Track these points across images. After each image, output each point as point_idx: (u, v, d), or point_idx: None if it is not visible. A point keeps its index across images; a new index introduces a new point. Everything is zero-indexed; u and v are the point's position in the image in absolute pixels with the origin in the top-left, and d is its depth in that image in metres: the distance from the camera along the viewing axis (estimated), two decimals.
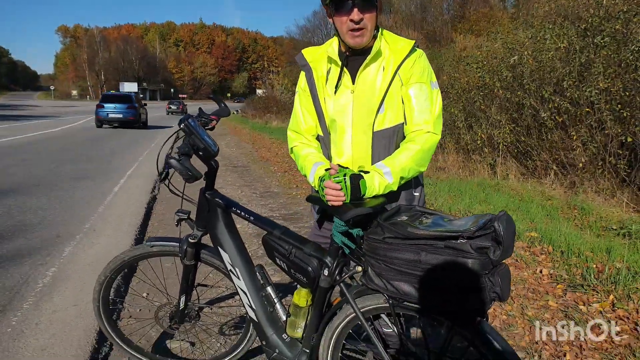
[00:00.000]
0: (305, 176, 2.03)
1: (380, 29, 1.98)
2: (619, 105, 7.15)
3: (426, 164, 1.95)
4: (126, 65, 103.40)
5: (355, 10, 1.83)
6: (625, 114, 7.04)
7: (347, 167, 1.87)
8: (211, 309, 3.08)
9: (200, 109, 2.30)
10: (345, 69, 1.98)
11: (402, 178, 1.87)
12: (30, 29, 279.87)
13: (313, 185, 1.96)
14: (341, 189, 1.72)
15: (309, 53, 2.09)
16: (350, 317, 1.81)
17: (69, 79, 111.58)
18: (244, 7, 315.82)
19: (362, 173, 1.80)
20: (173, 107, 45.69)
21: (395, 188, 1.87)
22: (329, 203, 1.76)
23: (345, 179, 1.73)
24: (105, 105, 21.94)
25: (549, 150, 8.50)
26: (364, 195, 1.76)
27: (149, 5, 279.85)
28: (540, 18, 10.43)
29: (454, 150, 10.69)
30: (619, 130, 7.18)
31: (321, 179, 1.81)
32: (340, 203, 1.73)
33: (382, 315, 1.81)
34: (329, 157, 2.08)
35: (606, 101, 7.31)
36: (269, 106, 31.32)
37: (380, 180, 1.81)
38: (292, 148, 2.15)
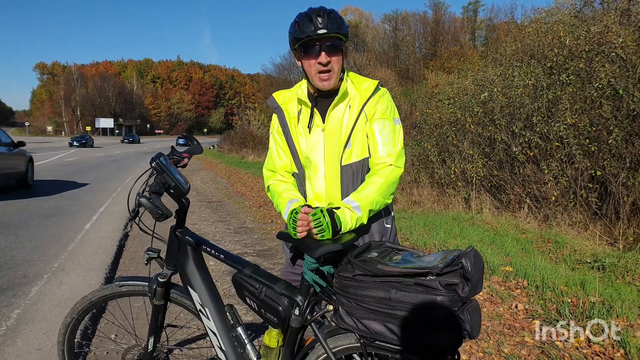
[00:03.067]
0: (280, 214, 2.05)
1: (346, 71, 2.09)
2: (587, 140, 7.36)
3: (391, 196, 2.01)
4: (103, 101, 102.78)
5: (323, 53, 1.94)
6: (593, 149, 7.24)
7: (317, 207, 1.88)
8: (181, 350, 2.98)
9: (172, 147, 2.29)
10: (315, 109, 2.06)
11: (370, 211, 1.92)
12: (7, 65, 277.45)
13: (286, 221, 1.96)
14: (320, 225, 1.74)
15: (279, 96, 2.19)
16: (322, 357, 1.77)
17: (44, 115, 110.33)
18: (221, 45, 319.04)
19: (333, 209, 1.82)
20: (180, 141, 54.94)
21: (365, 221, 1.91)
22: (316, 236, 1.76)
23: (323, 215, 1.75)
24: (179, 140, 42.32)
25: (521, 184, 8.64)
26: (340, 230, 1.79)
27: (127, 43, 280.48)
28: (508, 56, 10.80)
29: (429, 184, 10.79)
30: (588, 164, 7.36)
31: (293, 212, 1.84)
32: (317, 237, 1.75)
33: (355, 356, 1.78)
34: (304, 192, 2.13)
35: (574, 136, 7.51)
36: (245, 141, 31.34)
37: (351, 214, 1.85)
38: (268, 186, 2.19)
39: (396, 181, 2.00)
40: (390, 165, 1.98)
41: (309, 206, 1.85)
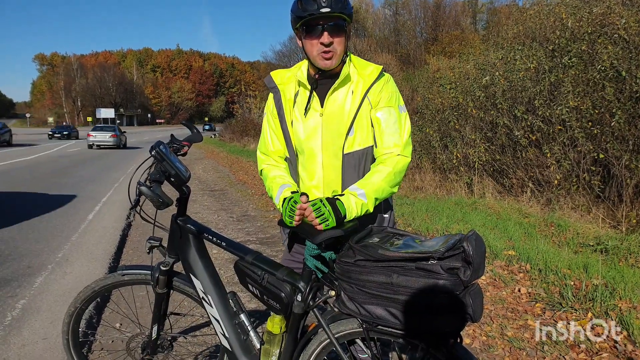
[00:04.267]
0: (271, 198, 2.02)
1: (349, 55, 2.02)
2: (590, 123, 7.32)
3: (398, 186, 1.96)
4: (103, 91, 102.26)
5: (326, 33, 1.87)
6: (595, 131, 7.21)
7: (316, 198, 1.85)
8: (185, 338, 3.00)
9: (172, 135, 2.28)
10: (314, 92, 2.00)
11: (376, 199, 1.87)
12: (6, 57, 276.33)
13: (278, 207, 1.95)
14: (322, 213, 1.71)
15: (277, 75, 2.12)
16: (324, 343, 1.78)
17: (45, 107, 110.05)
18: (221, 33, 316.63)
19: (336, 197, 1.80)
20: (206, 127, 67.36)
21: (371, 209, 1.87)
22: (320, 226, 1.73)
23: (323, 203, 1.72)
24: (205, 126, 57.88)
25: (524, 168, 8.62)
26: (344, 216, 1.76)
27: (126, 33, 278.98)
28: (509, 40, 10.70)
29: (431, 170, 10.78)
30: (591, 147, 7.34)
31: (286, 200, 1.82)
32: (322, 227, 1.71)
33: (357, 340, 1.78)
34: (297, 179, 2.09)
35: (577, 119, 7.48)
36: (246, 129, 31.28)
37: (356, 200, 1.81)
38: (261, 170, 2.15)
39: (403, 170, 1.95)
40: (398, 155, 1.93)
41: (306, 195, 1.83)
